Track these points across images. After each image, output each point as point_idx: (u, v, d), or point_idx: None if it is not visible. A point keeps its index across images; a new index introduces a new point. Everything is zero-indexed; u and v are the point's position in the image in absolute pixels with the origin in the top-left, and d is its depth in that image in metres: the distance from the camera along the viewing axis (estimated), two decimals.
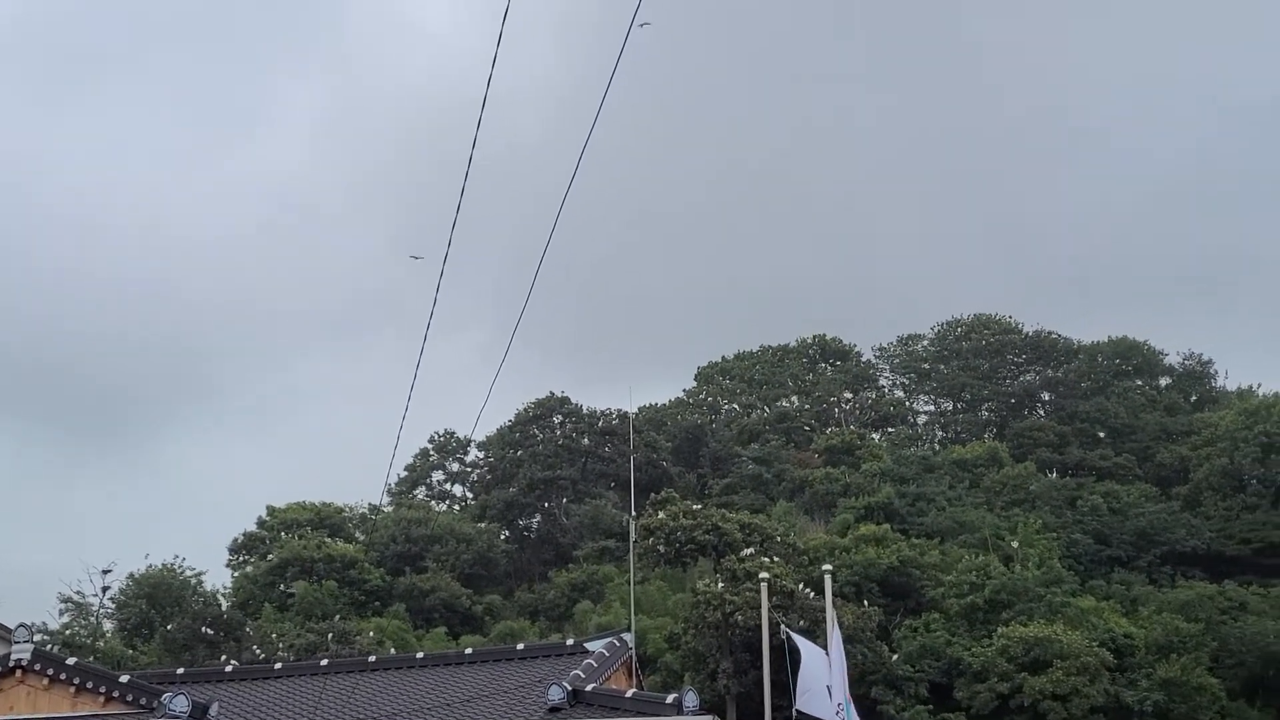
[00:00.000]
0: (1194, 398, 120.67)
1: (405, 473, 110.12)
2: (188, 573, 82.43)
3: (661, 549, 76.55)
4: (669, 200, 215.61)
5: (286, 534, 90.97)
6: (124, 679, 30.11)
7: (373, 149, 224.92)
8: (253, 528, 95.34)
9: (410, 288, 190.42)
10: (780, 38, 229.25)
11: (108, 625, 78.62)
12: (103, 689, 29.55)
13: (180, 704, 23.91)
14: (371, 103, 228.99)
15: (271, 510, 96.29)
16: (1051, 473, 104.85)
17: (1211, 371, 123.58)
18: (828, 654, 26.45)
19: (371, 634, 69.02)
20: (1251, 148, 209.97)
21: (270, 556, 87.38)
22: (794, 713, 25.89)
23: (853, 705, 27.94)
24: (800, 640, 25.40)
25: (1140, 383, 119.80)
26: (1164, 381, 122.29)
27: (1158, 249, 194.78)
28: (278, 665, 32.68)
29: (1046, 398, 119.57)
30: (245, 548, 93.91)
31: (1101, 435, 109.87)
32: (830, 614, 27.45)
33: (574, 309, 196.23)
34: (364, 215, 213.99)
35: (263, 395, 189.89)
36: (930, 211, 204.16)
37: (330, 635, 67.08)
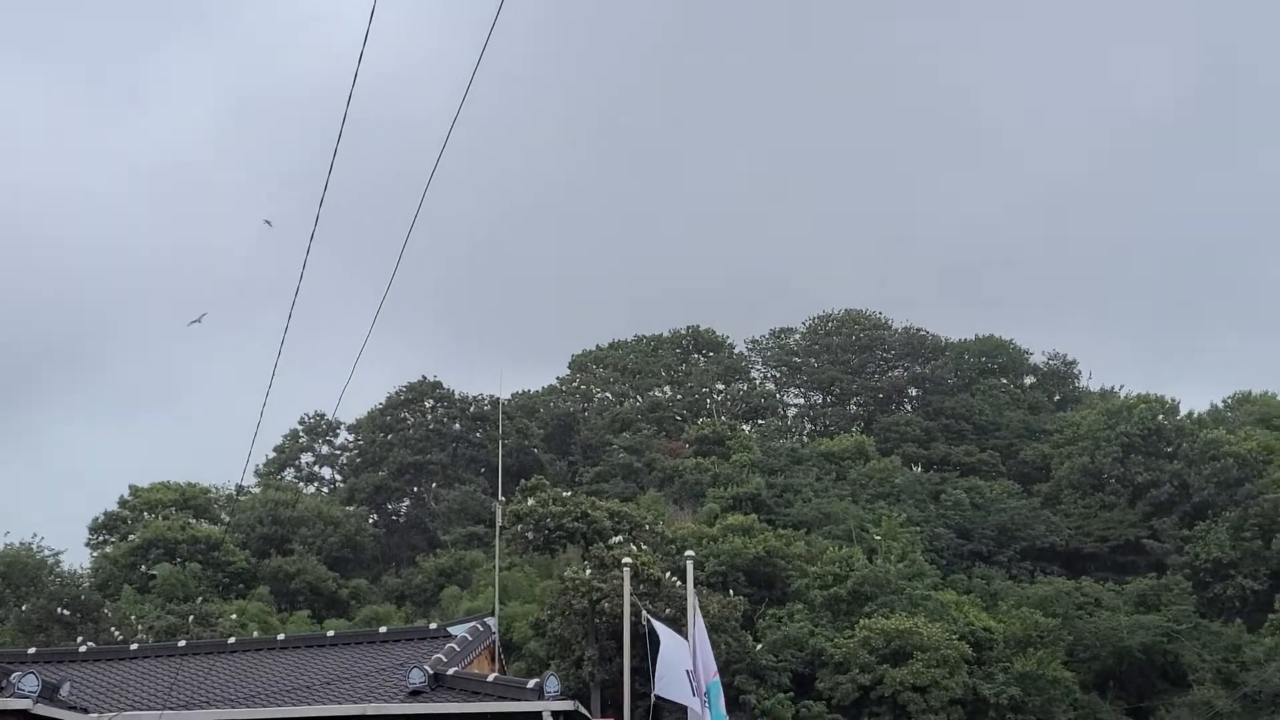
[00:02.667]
0: (1057, 397, 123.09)
1: (274, 454, 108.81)
2: (45, 552, 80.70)
3: (530, 536, 76.52)
4: (549, 187, 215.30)
5: (150, 514, 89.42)
6: None
7: (266, 127, 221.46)
8: (114, 507, 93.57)
9: (297, 267, 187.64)
10: (670, 27, 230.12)
11: None
12: None
13: (29, 683, 23.42)
14: (265, 79, 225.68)
15: (135, 490, 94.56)
16: (917, 467, 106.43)
17: (1075, 372, 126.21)
18: (690, 641, 26.57)
19: (234, 617, 68.16)
20: (1135, 160, 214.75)
21: (132, 537, 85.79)
22: (653, 698, 25.98)
23: (721, 694, 27.97)
24: (660, 626, 25.47)
25: (1005, 381, 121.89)
26: (1029, 380, 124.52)
27: (1037, 252, 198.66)
28: (134, 646, 32.14)
29: (914, 393, 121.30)
30: (106, 528, 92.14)
31: (967, 431, 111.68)
32: (692, 600, 27.61)
33: (452, 293, 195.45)
34: (254, 193, 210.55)
35: (141, 373, 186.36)
36: (817, 207, 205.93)
37: (191, 618, 66.14)
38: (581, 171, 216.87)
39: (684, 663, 25.31)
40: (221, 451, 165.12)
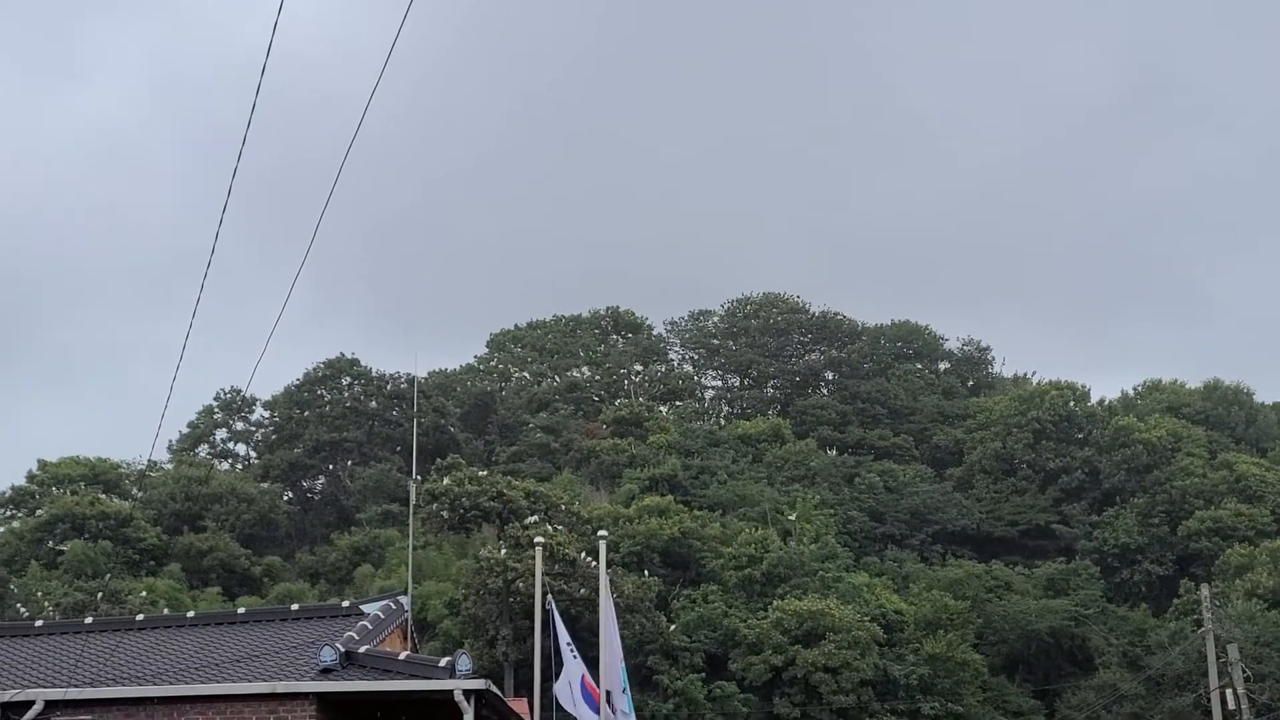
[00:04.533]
0: (971, 382, 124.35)
1: (187, 430, 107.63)
2: None
3: (446, 515, 76.37)
4: (474, 165, 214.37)
5: (58, 490, 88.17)
6: None
7: (200, 102, 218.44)
8: (21, 482, 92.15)
9: (232, 246, 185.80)
10: (605, 14, 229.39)
11: None
12: None
13: None
14: (199, 55, 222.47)
15: (43, 464, 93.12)
16: (832, 450, 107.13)
17: (989, 358, 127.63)
18: (602, 624, 26.59)
19: (144, 594, 67.46)
20: (1060, 155, 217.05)
21: (40, 512, 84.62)
22: (553, 698, 25.68)
23: (627, 694, 27.67)
24: (561, 631, 25.20)
25: (920, 366, 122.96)
26: (943, 366, 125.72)
27: (962, 243, 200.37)
28: (39, 623, 31.71)
29: (830, 377, 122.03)
30: (13, 502, 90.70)
31: (882, 415, 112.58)
32: (604, 581, 27.65)
33: (372, 271, 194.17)
34: (188, 169, 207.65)
35: (61, 345, 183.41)
36: (746, 196, 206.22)
37: (100, 594, 65.41)
38: (504, 151, 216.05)
39: (579, 673, 25.03)
40: (140, 426, 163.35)
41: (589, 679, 24.35)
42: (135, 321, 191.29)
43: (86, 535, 79.24)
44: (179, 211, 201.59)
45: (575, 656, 24.60)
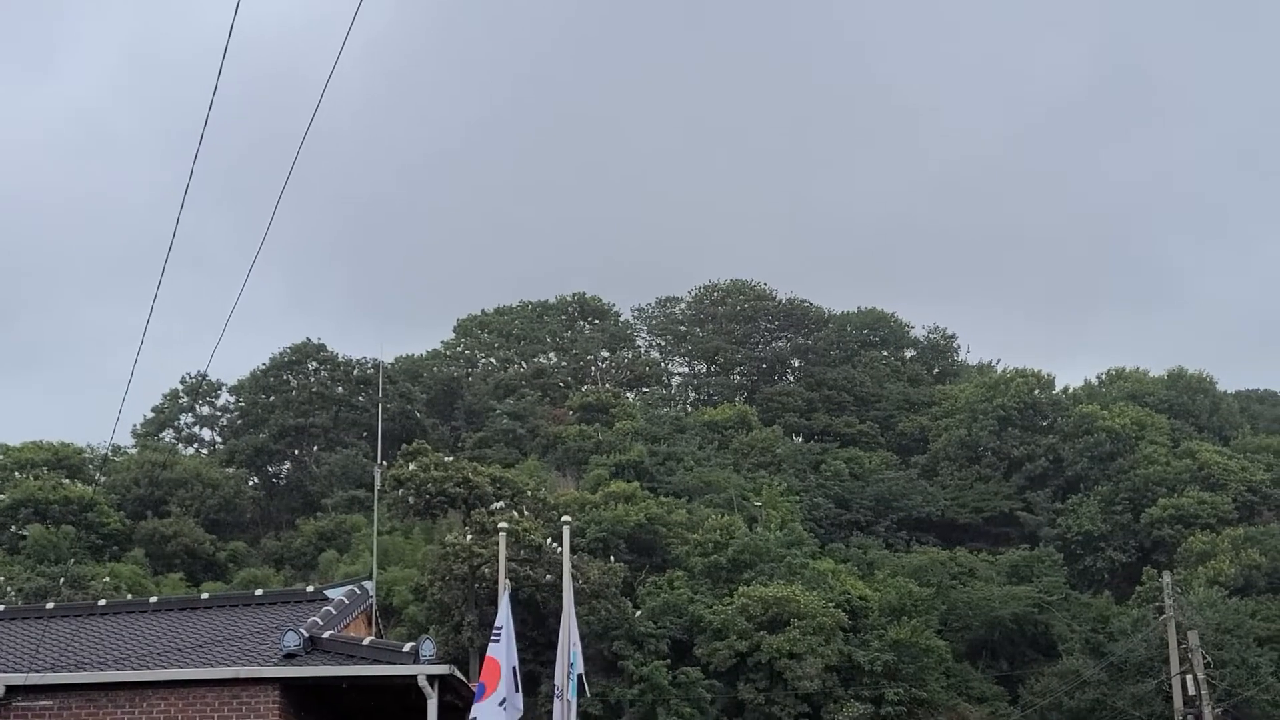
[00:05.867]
0: (936, 370, 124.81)
1: (152, 415, 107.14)
2: None
3: (412, 500, 76.20)
4: (442, 150, 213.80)
5: (20, 474, 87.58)
6: None
7: (173, 87, 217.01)
8: None
9: (208, 230, 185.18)
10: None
11: None
12: None
13: None
14: (178, 38, 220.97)
15: (5, 449, 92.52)
16: (798, 437, 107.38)
17: (955, 345, 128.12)
18: (565, 613, 26.53)
19: (107, 579, 67.10)
20: (1036, 144, 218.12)
21: (1, 497, 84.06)
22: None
23: (578, 681, 27.31)
24: (502, 613, 24.98)
25: (886, 353, 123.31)
26: (909, 353, 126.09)
27: (934, 231, 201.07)
28: (0, 608, 31.57)
29: (796, 364, 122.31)
30: None
31: (847, 403, 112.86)
32: (567, 566, 27.65)
33: (339, 255, 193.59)
34: (167, 153, 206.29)
35: (38, 335, 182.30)
36: (720, 181, 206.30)
37: (62, 579, 65.05)
38: (474, 137, 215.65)
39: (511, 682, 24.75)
40: (112, 412, 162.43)
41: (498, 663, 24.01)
42: (113, 307, 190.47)
43: (49, 520, 78.74)
44: (161, 195, 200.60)
45: (497, 640, 24.44)
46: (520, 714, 25.01)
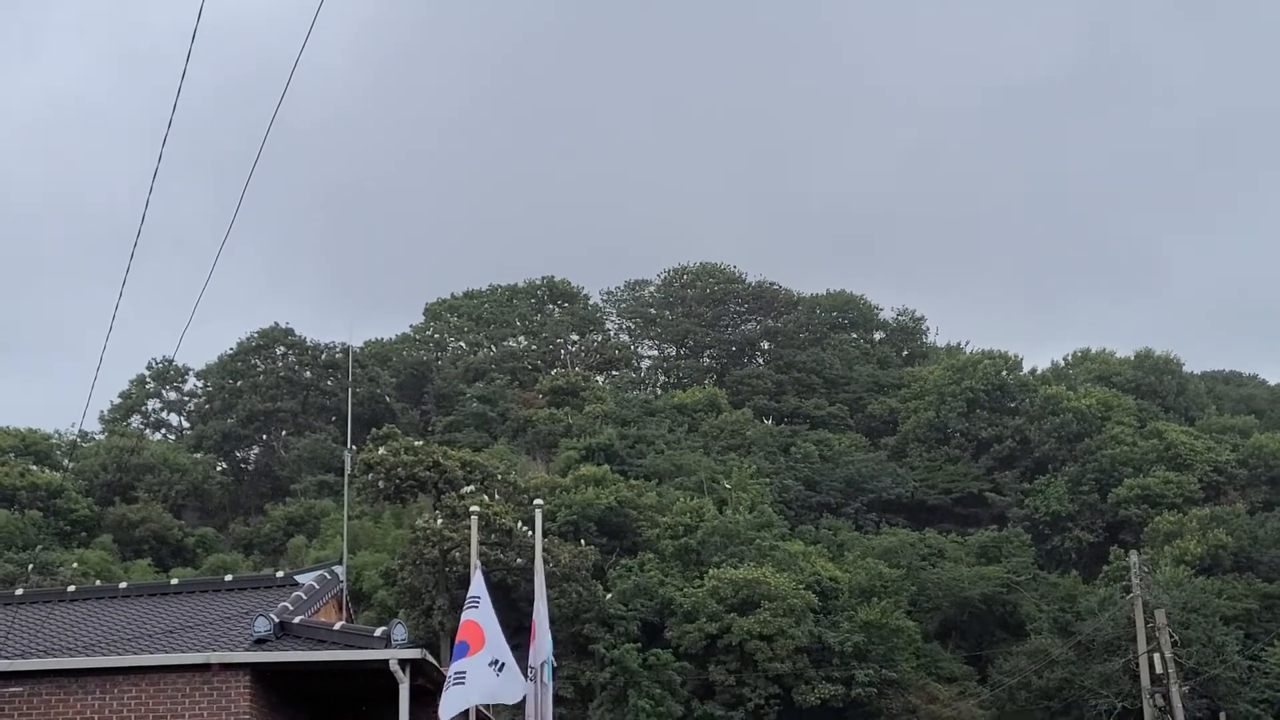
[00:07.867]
0: (905, 352, 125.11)
1: (119, 400, 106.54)
2: None
3: (382, 485, 76.06)
4: (415, 135, 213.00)
5: None
6: None
7: (155, 69, 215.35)
8: None
9: (190, 213, 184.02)
10: None
11: None
12: None
13: None
14: (161, 25, 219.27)
15: None
16: (767, 420, 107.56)
17: (923, 328, 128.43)
18: (537, 596, 26.45)
19: (75, 565, 66.85)
20: (1010, 126, 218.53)
21: None
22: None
23: (549, 666, 26.94)
24: (475, 590, 24.70)
25: (855, 336, 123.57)
26: (878, 336, 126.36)
27: (903, 211, 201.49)
28: None
29: (766, 347, 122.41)
30: None
31: (817, 385, 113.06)
32: (539, 550, 27.63)
33: (309, 239, 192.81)
34: (147, 136, 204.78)
35: (14, 319, 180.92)
36: (692, 166, 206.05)
37: (30, 566, 64.74)
38: (450, 125, 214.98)
39: (498, 654, 24.35)
40: (83, 399, 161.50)
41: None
42: (93, 293, 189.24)
43: (16, 506, 78.37)
44: (145, 182, 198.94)
45: (475, 607, 24.04)
46: (524, 692, 24.56)
